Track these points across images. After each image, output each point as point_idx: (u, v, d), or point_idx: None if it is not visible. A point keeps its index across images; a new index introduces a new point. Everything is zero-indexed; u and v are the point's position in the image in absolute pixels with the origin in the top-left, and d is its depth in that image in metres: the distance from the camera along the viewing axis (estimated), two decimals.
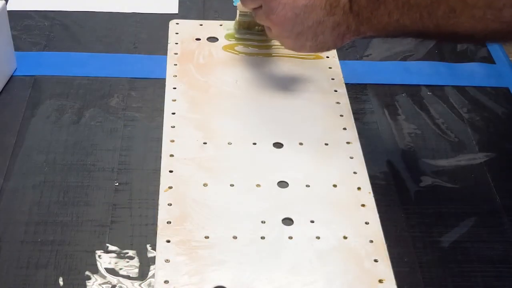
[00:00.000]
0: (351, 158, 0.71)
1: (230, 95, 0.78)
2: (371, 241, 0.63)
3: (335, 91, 0.79)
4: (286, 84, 0.80)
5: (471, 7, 0.62)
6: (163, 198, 0.65)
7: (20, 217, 0.64)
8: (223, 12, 0.92)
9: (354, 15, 0.68)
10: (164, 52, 0.84)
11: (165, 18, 0.90)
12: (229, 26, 0.87)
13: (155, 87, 0.80)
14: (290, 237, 0.63)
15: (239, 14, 0.84)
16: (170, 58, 0.82)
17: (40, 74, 0.81)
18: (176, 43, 0.85)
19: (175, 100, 0.76)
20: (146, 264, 0.61)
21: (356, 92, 0.81)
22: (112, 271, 0.60)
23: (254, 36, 0.84)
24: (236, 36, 0.85)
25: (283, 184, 0.68)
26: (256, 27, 0.83)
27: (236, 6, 0.83)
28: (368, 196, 0.67)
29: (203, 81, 0.79)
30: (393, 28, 0.67)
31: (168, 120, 0.74)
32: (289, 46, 0.75)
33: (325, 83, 0.80)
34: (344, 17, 0.69)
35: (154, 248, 0.62)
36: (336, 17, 0.69)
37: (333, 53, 0.84)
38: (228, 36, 0.86)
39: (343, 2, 0.68)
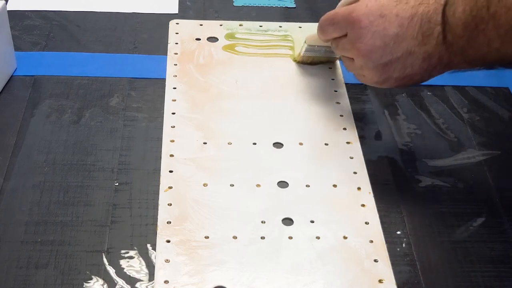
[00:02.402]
0: (351, 158, 0.71)
1: (230, 95, 0.78)
2: (371, 241, 0.63)
3: (335, 91, 0.79)
4: (286, 84, 0.80)
5: None
6: (163, 198, 0.65)
7: (20, 217, 0.64)
8: (223, 12, 0.92)
9: (448, 45, 0.63)
10: (164, 52, 0.84)
11: (165, 18, 0.90)
12: (229, 26, 0.87)
13: (155, 87, 0.80)
14: (290, 237, 0.63)
15: (306, 49, 0.79)
16: (170, 58, 0.82)
17: (40, 74, 0.81)
18: (176, 43, 0.85)
19: (175, 100, 0.76)
20: (146, 264, 0.61)
21: (356, 92, 0.80)
22: (112, 271, 0.60)
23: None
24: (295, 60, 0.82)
25: (283, 184, 0.68)
26: (319, 64, 0.81)
27: (305, 39, 0.78)
28: (368, 196, 0.67)
29: (203, 81, 0.79)
30: (492, 58, 0.62)
31: (168, 120, 0.74)
32: (372, 78, 0.69)
33: (325, 83, 0.80)
34: (437, 47, 0.64)
35: (154, 248, 0.62)
36: (428, 47, 0.64)
37: None
38: (228, 36, 0.86)
39: (437, 31, 0.63)
